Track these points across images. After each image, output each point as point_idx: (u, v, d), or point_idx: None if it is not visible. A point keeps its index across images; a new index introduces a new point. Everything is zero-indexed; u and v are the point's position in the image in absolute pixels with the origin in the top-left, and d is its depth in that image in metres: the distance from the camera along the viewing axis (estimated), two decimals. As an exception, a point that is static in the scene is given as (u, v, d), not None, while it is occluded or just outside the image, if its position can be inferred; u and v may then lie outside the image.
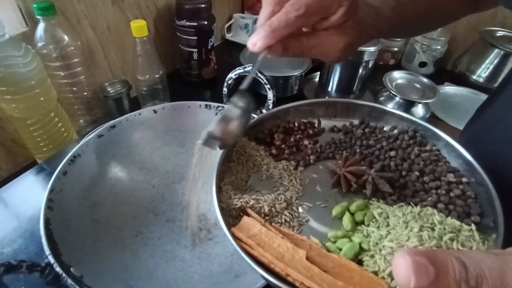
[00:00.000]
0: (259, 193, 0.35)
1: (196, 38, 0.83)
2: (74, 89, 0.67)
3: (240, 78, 0.56)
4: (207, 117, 0.57)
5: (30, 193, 0.56)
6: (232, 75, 0.55)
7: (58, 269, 0.34)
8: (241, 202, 0.33)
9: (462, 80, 0.94)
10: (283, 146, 0.41)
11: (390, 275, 0.27)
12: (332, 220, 0.34)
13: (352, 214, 0.34)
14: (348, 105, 0.44)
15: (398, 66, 1.02)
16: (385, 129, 0.43)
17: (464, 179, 0.35)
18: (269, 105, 0.55)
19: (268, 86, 0.54)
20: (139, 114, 0.54)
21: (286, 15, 0.31)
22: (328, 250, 0.31)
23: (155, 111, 0.55)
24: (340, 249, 0.30)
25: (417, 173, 0.36)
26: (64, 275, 0.34)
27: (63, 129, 0.65)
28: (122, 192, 0.51)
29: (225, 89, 0.56)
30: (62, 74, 0.63)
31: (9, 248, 0.46)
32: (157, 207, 0.53)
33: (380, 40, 0.81)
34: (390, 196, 0.35)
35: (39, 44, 0.59)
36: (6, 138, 0.62)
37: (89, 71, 0.68)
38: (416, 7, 0.44)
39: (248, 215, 0.32)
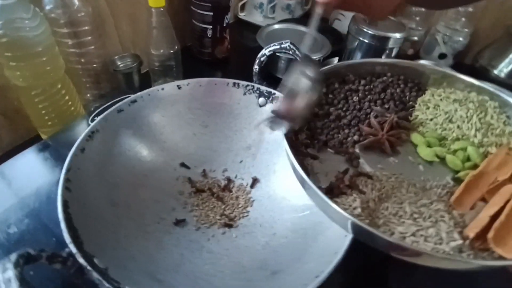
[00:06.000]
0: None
1: (212, 14, 0.77)
2: (83, 60, 0.61)
3: (271, 56, 0.51)
4: (234, 96, 0.52)
5: (35, 170, 0.50)
6: (266, 51, 0.49)
7: (81, 260, 0.29)
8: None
9: (482, 74, 0.90)
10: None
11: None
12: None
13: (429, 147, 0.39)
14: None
15: (416, 57, 0.99)
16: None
17: None
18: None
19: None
20: (162, 89, 0.49)
21: None
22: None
23: (179, 87, 0.50)
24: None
25: None
26: (88, 267, 0.29)
27: (70, 103, 0.59)
28: (141, 173, 0.46)
29: (256, 67, 0.51)
30: (70, 42, 0.58)
31: (15, 229, 0.41)
32: (179, 192, 0.48)
33: (406, 27, 0.77)
34: None
35: (47, 7, 0.54)
36: (9, 108, 0.56)
37: (99, 41, 0.63)
38: None
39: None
